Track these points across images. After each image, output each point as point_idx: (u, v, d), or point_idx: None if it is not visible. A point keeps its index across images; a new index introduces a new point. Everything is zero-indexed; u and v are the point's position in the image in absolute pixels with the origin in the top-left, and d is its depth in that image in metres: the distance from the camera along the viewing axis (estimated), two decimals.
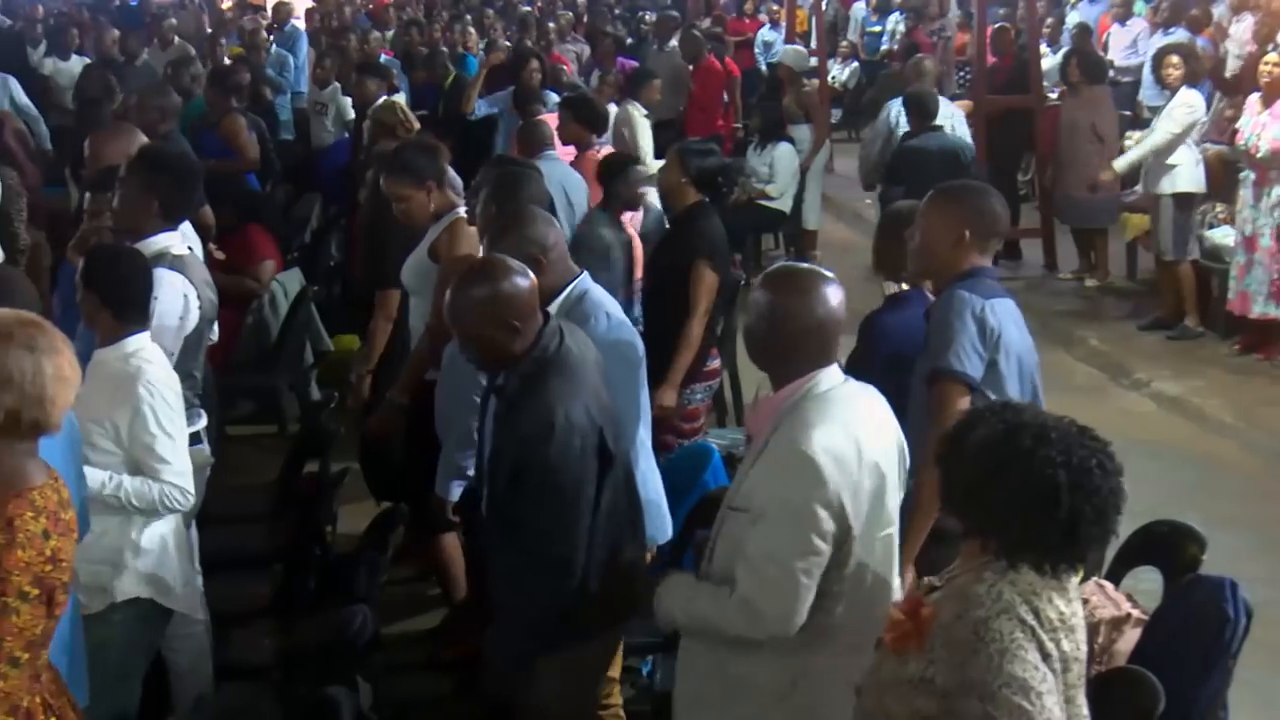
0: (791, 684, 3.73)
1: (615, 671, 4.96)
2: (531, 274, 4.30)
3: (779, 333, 3.74)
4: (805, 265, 4.01)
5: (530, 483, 4.15)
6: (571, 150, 8.74)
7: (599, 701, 4.67)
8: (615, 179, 7.42)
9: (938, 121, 10.81)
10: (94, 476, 4.46)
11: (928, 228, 4.78)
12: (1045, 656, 2.96)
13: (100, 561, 4.59)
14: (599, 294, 5.02)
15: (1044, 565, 2.96)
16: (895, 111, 11.54)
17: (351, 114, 12.25)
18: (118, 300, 4.77)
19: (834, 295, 3.76)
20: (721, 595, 3.70)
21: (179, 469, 4.68)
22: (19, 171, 9.68)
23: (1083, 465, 2.90)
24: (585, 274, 5.03)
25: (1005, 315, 4.75)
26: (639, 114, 11.07)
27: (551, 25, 17.04)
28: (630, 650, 5.33)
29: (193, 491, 4.73)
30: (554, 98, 10.62)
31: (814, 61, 18.25)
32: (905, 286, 5.39)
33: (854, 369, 4.07)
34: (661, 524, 5.08)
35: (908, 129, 10.96)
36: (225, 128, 10.33)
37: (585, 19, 20.04)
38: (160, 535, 4.78)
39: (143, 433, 4.63)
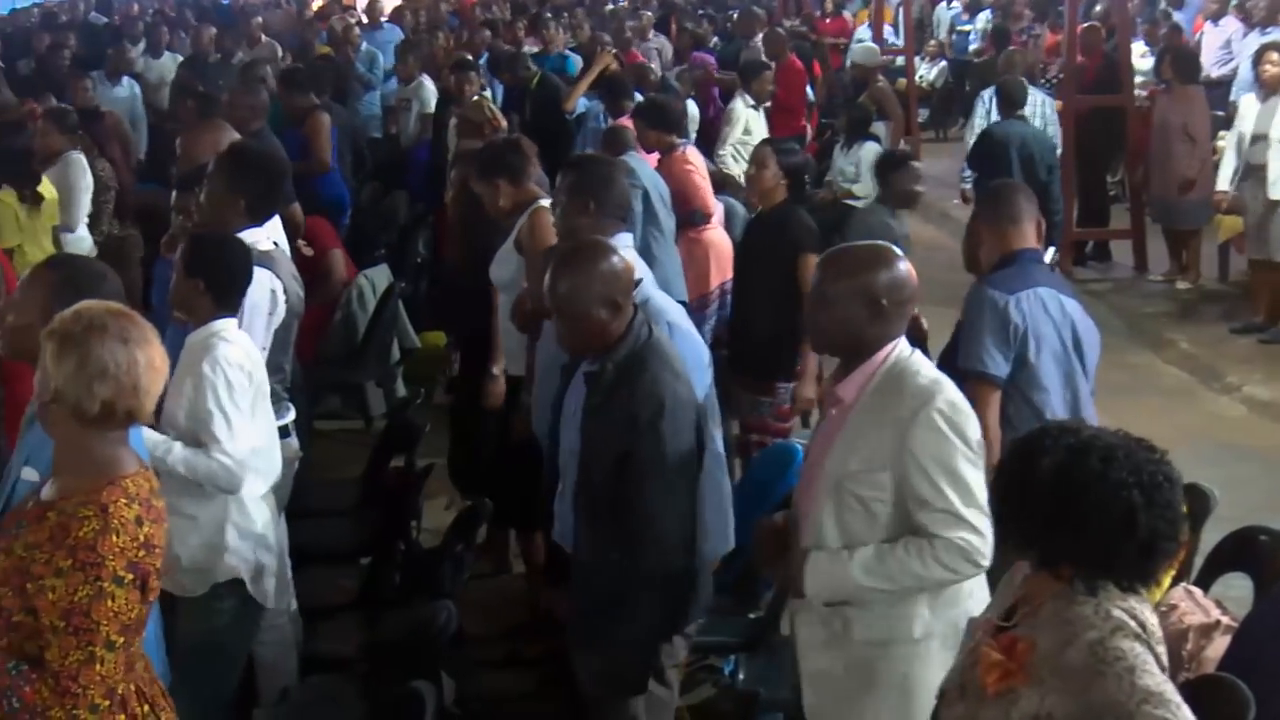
0: (930, 636, 3.81)
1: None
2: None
3: (863, 305, 3.82)
4: (863, 243, 4.07)
5: (642, 463, 4.20)
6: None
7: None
8: (893, 174, 7.74)
9: (1024, 112, 11.00)
10: (150, 437, 4.43)
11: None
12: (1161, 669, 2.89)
13: (200, 545, 4.64)
14: (661, 301, 5.03)
15: (1123, 584, 2.88)
16: (988, 100, 11.85)
17: (432, 109, 12.33)
18: (220, 286, 4.82)
19: (904, 263, 3.92)
20: (918, 546, 3.73)
21: (231, 449, 4.61)
22: (113, 166, 9.84)
23: (1153, 481, 2.82)
24: (644, 281, 5.03)
25: (1035, 308, 4.85)
26: (742, 106, 11.02)
27: (630, 24, 17.04)
28: (712, 649, 5.35)
29: (243, 476, 4.66)
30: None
31: (900, 60, 18.23)
32: None
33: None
34: (725, 537, 5.06)
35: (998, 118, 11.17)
36: (309, 126, 10.28)
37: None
38: (256, 521, 4.83)
39: (200, 407, 4.62)
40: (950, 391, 3.81)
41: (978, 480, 3.75)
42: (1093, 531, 2.83)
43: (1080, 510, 2.82)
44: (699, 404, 4.43)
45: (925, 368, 3.88)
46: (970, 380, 4.65)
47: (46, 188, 8.03)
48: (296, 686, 5.31)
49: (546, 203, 6.00)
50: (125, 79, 13.25)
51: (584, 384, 4.45)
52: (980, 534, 3.68)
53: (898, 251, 4.00)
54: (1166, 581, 4.34)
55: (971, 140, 11.84)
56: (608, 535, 4.32)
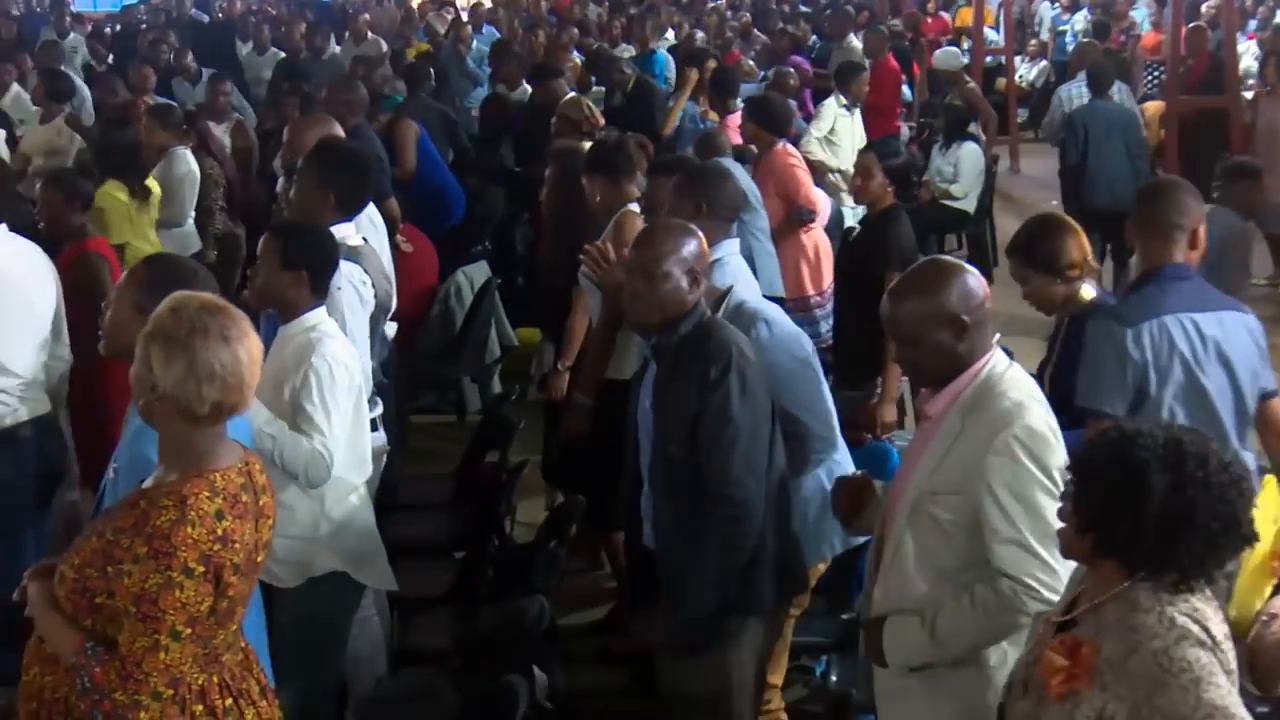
0: (1005, 663, 3.70)
1: (778, 678, 4.96)
2: None
3: (945, 327, 3.73)
4: (914, 268, 3.99)
5: (711, 424, 4.23)
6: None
7: (760, 699, 4.67)
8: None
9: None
10: (260, 412, 4.48)
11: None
12: (1227, 674, 2.86)
13: (296, 536, 4.68)
14: (754, 305, 5.03)
15: (1186, 580, 2.83)
16: (1064, 95, 12.40)
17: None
18: (320, 277, 4.88)
19: (966, 273, 3.82)
20: (984, 601, 3.64)
21: (330, 442, 4.65)
22: (219, 163, 9.97)
23: (1206, 469, 2.79)
24: (736, 286, 5.05)
25: (1160, 340, 4.63)
26: (834, 104, 11.00)
27: (731, 23, 17.03)
28: (803, 649, 5.33)
29: (331, 471, 4.68)
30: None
31: (993, 60, 18.07)
32: None
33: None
34: (816, 548, 5.02)
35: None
36: (393, 133, 10.30)
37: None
38: (352, 510, 4.88)
39: (305, 399, 4.66)
40: (1033, 416, 3.66)
41: (1055, 511, 3.66)
42: (1150, 519, 2.79)
43: (1137, 496, 2.80)
44: (767, 374, 4.45)
45: (1015, 388, 3.72)
46: (1089, 419, 4.53)
47: (151, 183, 8.15)
48: (390, 679, 5.35)
49: (637, 207, 6.00)
50: (204, 75, 13.40)
51: (653, 361, 4.51)
52: (1050, 569, 3.54)
53: (954, 262, 3.91)
54: (1267, 590, 4.25)
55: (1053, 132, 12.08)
56: (684, 507, 4.34)
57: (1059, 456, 3.62)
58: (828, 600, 5.31)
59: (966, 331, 3.71)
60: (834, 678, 5.15)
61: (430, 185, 10.09)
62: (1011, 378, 3.75)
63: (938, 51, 14.45)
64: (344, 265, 5.26)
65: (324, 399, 4.66)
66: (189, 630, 3.21)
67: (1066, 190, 11.15)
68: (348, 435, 4.79)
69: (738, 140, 8.92)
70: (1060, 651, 2.89)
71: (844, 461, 5.07)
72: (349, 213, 5.61)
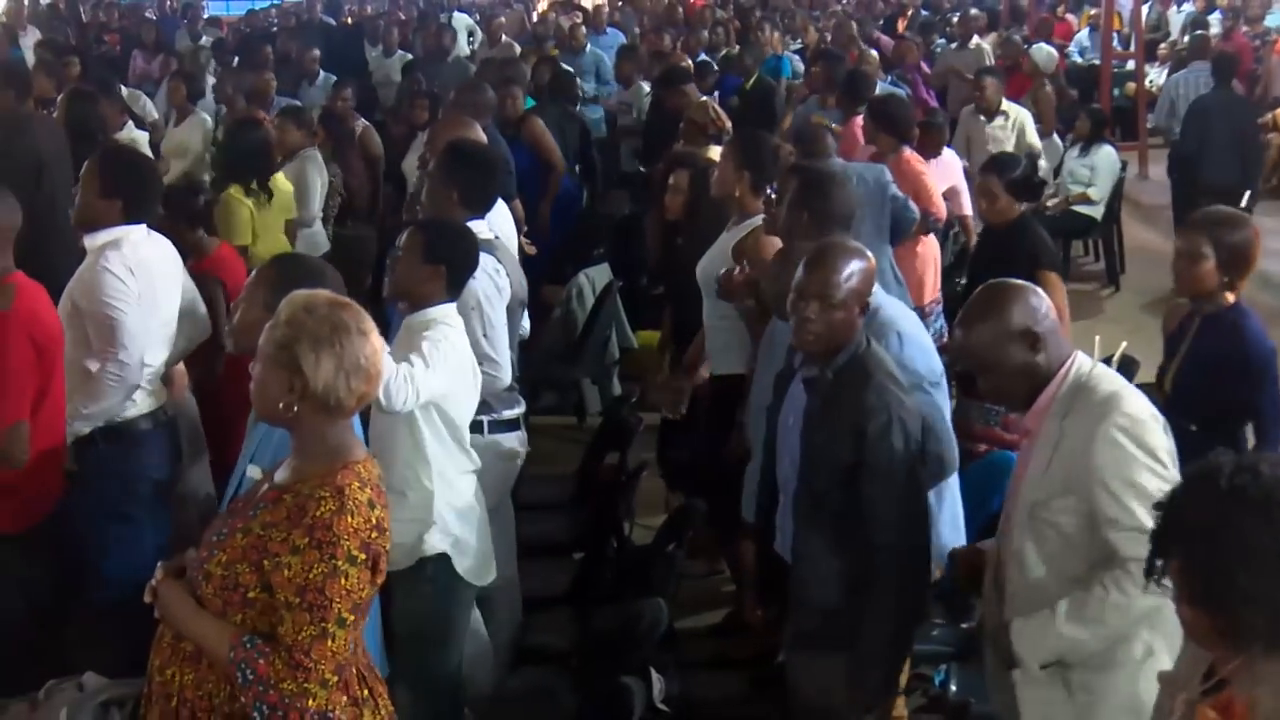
0: (1153, 653, 3.71)
1: (901, 681, 4.93)
2: None
3: (1018, 344, 3.77)
4: (993, 281, 3.99)
5: (872, 474, 4.20)
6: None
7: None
8: None
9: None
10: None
11: None
12: None
13: (410, 520, 4.72)
14: (892, 311, 4.97)
15: None
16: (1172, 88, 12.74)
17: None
18: (458, 272, 4.93)
19: (1024, 287, 3.89)
20: (1113, 579, 3.65)
21: (420, 377, 4.63)
22: (347, 170, 10.10)
23: None
24: (877, 289, 5.00)
25: None
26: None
27: (855, 27, 16.93)
28: (923, 658, 5.29)
29: (412, 398, 4.64)
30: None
31: (1131, 65, 17.80)
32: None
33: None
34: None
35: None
36: (526, 131, 10.40)
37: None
38: (464, 498, 4.92)
39: (415, 349, 4.73)
40: (1130, 403, 3.69)
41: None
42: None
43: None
44: (924, 414, 4.41)
45: (1105, 382, 3.76)
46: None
47: (282, 183, 8.26)
48: (509, 678, 5.39)
49: (760, 220, 5.98)
50: (322, 77, 13.56)
51: (803, 391, 4.46)
52: None
53: (1010, 282, 3.93)
54: None
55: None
56: (829, 543, 4.33)
57: (1163, 439, 3.67)
58: (948, 609, 5.27)
59: (1040, 342, 3.76)
60: (954, 687, 5.10)
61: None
62: (1100, 373, 3.80)
63: (1034, 49, 14.27)
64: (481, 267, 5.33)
65: (431, 351, 4.71)
66: (352, 617, 3.27)
67: (1179, 177, 11.06)
68: (455, 419, 4.87)
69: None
70: (1213, 709, 2.72)
71: (954, 484, 5.05)
72: (476, 210, 5.67)
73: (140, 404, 5.41)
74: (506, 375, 5.46)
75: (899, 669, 4.48)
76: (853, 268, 4.36)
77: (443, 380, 4.73)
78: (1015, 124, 11.06)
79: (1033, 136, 11.18)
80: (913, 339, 4.90)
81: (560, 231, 10.37)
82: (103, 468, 5.39)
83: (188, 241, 6.71)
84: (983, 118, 11.18)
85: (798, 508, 4.48)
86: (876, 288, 4.86)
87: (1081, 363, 3.80)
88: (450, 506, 4.87)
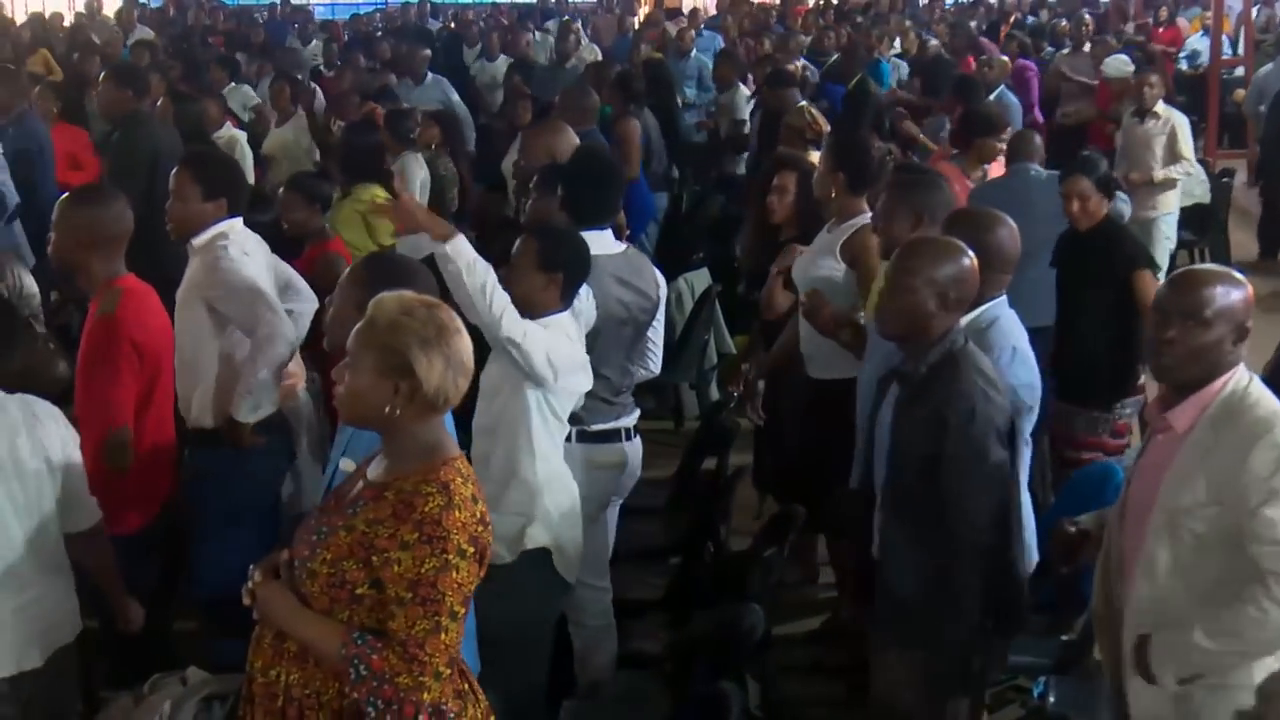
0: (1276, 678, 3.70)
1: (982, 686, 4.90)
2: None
3: (1240, 329, 3.76)
4: (1199, 267, 3.95)
5: (952, 465, 4.18)
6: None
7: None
8: None
9: None
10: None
11: None
12: None
13: (513, 512, 4.76)
14: (1009, 325, 4.89)
15: None
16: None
17: (742, 114, 12.38)
18: (572, 281, 4.96)
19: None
20: (1253, 594, 3.61)
21: (523, 333, 4.71)
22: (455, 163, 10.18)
23: None
24: (1003, 299, 4.94)
25: None
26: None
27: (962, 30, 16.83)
28: (1022, 670, 5.24)
29: (520, 339, 4.72)
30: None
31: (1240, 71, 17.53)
32: None
33: None
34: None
35: None
36: (619, 131, 10.39)
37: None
38: (566, 494, 4.95)
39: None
40: None
41: None
42: None
43: None
44: (1011, 417, 4.38)
45: (1265, 399, 3.73)
46: None
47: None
48: (605, 681, 5.41)
49: (867, 219, 5.95)
50: (430, 78, 13.67)
51: (897, 385, 4.46)
52: None
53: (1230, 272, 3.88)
54: None
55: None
56: (914, 535, 4.31)
57: None
58: (1048, 620, 5.22)
59: (1243, 340, 3.76)
60: (1052, 699, 5.06)
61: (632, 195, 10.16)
62: (1258, 389, 3.76)
63: (1108, 58, 14.09)
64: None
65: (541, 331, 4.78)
66: (463, 610, 3.30)
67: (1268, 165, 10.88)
68: (561, 415, 4.92)
69: None
70: None
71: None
72: (582, 221, 5.65)
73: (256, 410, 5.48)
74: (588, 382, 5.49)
75: (977, 670, 4.41)
76: (933, 260, 4.37)
77: (552, 349, 4.77)
78: (1167, 126, 10.78)
79: (1185, 144, 10.67)
80: (1024, 359, 4.82)
81: (638, 235, 10.36)
82: (217, 470, 5.47)
83: (310, 227, 6.83)
84: (1138, 119, 10.86)
85: (885, 498, 4.49)
86: (1000, 303, 4.85)
87: (1242, 375, 3.78)
88: (553, 501, 4.89)
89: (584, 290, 5.26)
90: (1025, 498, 4.92)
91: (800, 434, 6.13)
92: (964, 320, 4.65)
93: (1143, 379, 6.80)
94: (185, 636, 5.74)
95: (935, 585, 4.26)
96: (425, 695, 3.27)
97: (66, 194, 5.57)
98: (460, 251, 4.67)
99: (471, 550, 3.28)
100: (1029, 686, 5.47)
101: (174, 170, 5.62)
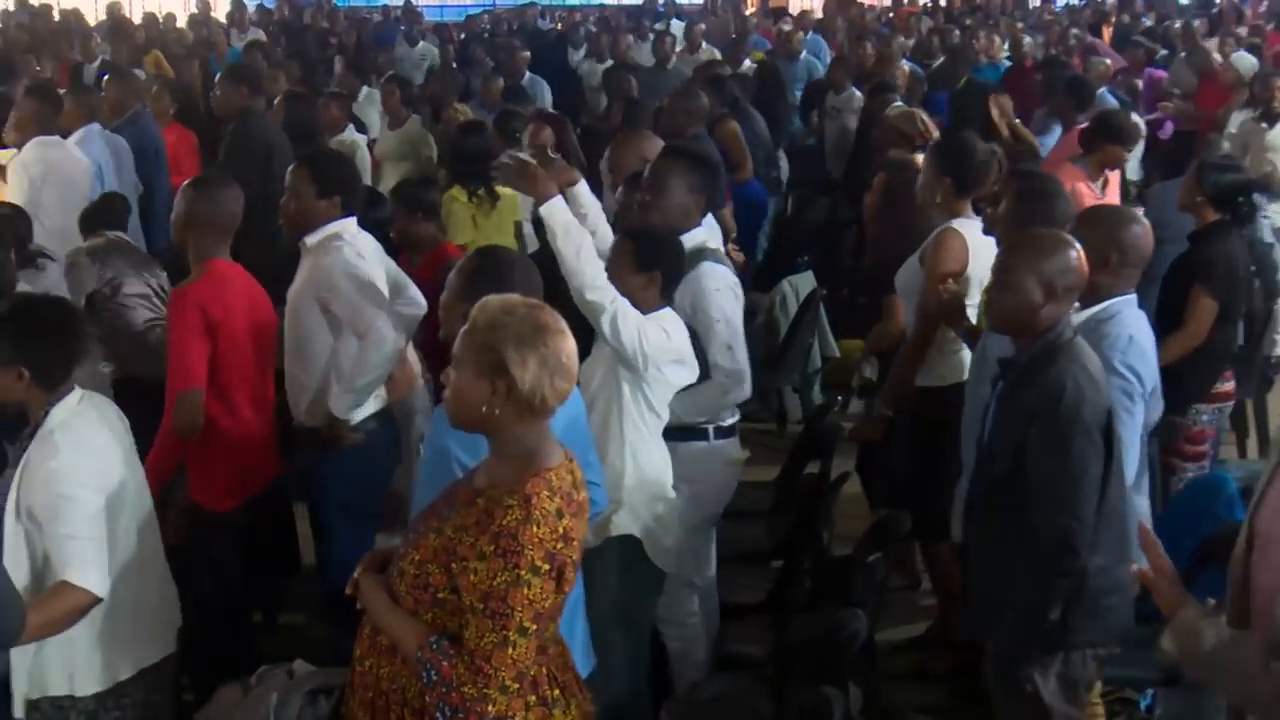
0: None
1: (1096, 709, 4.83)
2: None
3: None
4: None
5: (1037, 454, 4.16)
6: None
7: None
8: None
9: None
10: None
11: None
12: None
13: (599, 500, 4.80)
14: (1131, 317, 4.85)
15: None
16: None
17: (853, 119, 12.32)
18: (670, 280, 4.99)
19: None
20: None
21: (633, 325, 4.79)
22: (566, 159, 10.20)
23: None
24: (1132, 297, 4.89)
25: None
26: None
27: (1074, 32, 16.62)
28: (1128, 682, 5.17)
29: (618, 320, 4.77)
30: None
31: None
32: None
33: None
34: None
35: None
36: (719, 133, 10.30)
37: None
38: (656, 483, 4.96)
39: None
40: None
41: None
42: None
43: None
44: (1104, 404, 4.30)
45: None
46: None
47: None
48: (705, 683, 5.40)
49: (959, 225, 5.90)
50: (528, 78, 13.74)
51: (1001, 375, 4.45)
52: None
53: None
54: None
55: None
56: (997, 527, 4.29)
57: None
58: (1156, 631, 5.13)
59: None
60: (1159, 713, 4.99)
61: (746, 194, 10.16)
62: None
63: (1234, 54, 13.82)
64: (717, 268, 5.45)
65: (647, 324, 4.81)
66: (534, 626, 3.26)
67: None
68: (656, 405, 4.94)
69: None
70: None
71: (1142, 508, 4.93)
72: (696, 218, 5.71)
73: (367, 405, 5.55)
74: (748, 388, 5.54)
75: (1034, 655, 4.32)
76: (1038, 253, 4.35)
77: (645, 335, 4.79)
78: None
79: None
80: (1141, 349, 4.79)
81: (746, 236, 10.35)
82: (331, 467, 5.55)
83: (418, 234, 6.92)
84: (1264, 124, 10.67)
85: (974, 490, 4.47)
86: (1128, 300, 4.82)
87: None
88: (640, 489, 4.91)
89: (737, 286, 5.47)
90: (1143, 502, 4.88)
91: (907, 440, 6.09)
92: (1086, 314, 4.63)
93: (1226, 387, 6.71)
94: (296, 629, 5.83)
95: (1014, 578, 4.22)
96: (490, 708, 3.26)
97: (190, 178, 5.77)
98: (555, 214, 4.83)
99: (546, 568, 3.25)
100: (1136, 699, 5.41)
101: (290, 167, 5.71)
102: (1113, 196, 8.01)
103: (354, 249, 5.47)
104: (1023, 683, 4.31)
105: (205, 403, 5.18)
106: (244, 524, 5.37)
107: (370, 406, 5.57)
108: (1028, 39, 16.08)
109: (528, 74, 13.66)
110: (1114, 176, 8.44)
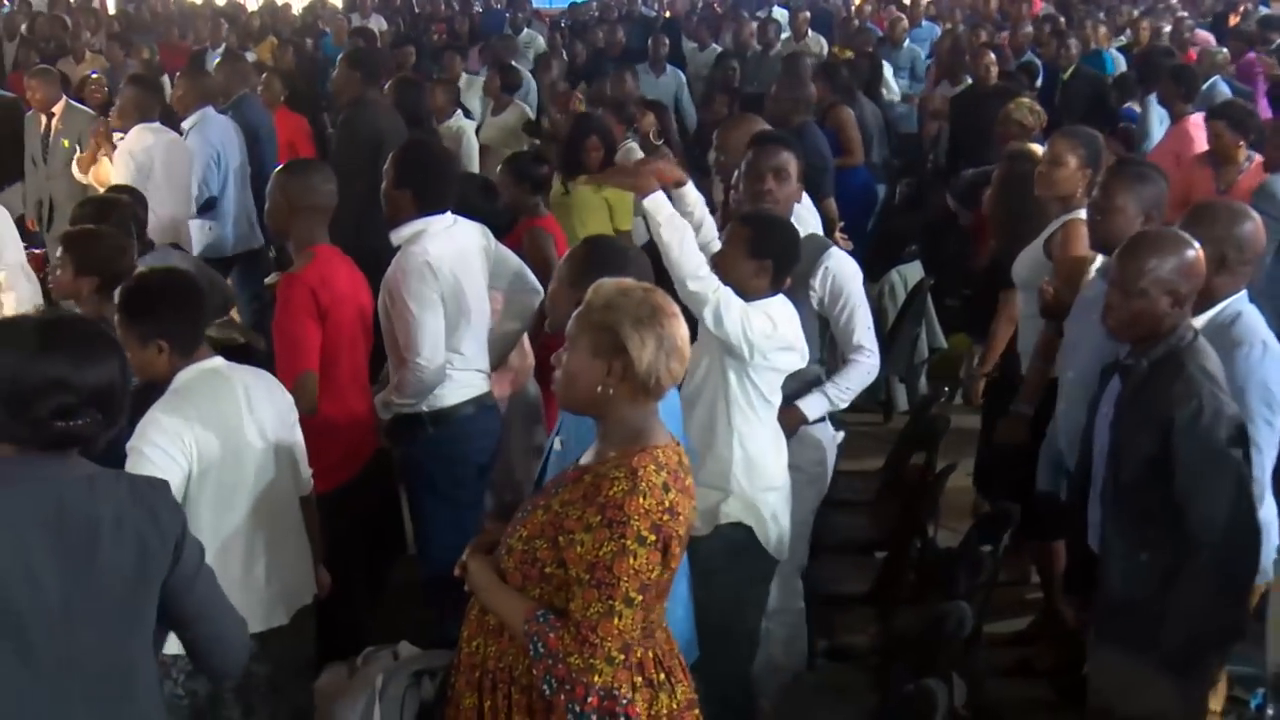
0: None
1: (1217, 704, 4.76)
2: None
3: None
4: None
5: (1180, 467, 4.09)
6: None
7: None
8: None
9: None
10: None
11: None
12: None
13: (708, 485, 4.76)
14: (1255, 319, 4.73)
15: None
16: None
17: None
18: (782, 268, 4.96)
19: None
20: None
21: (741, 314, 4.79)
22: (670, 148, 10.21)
23: None
24: (1244, 294, 4.78)
25: None
26: None
27: (1188, 21, 16.34)
28: (1238, 680, 5.10)
29: (726, 313, 4.79)
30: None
31: None
32: None
33: None
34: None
35: None
36: (833, 120, 10.34)
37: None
38: (766, 470, 4.94)
39: None
40: None
41: None
42: None
43: None
44: (1239, 417, 4.23)
45: None
46: None
47: None
48: (808, 672, 5.39)
49: (1082, 213, 5.82)
50: (669, 68, 13.73)
51: (1118, 379, 4.36)
52: None
53: None
54: None
55: None
56: (1138, 535, 4.23)
57: None
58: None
59: None
60: (1270, 711, 4.91)
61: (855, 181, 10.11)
62: None
63: None
64: (844, 253, 5.50)
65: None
66: (640, 597, 3.30)
67: None
68: (765, 392, 4.92)
69: (1200, 144, 8.54)
70: None
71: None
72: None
73: (466, 389, 5.59)
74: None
75: (1207, 678, 4.31)
76: (1160, 257, 4.26)
77: (750, 323, 4.78)
78: None
79: None
80: (1276, 355, 4.64)
81: (854, 225, 10.28)
82: (429, 450, 5.59)
83: (525, 204, 6.95)
84: None
85: (1104, 501, 4.40)
86: (1241, 298, 4.72)
87: None
88: (750, 477, 4.90)
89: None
90: (1271, 504, 4.79)
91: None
92: (1205, 316, 4.54)
93: None
94: (402, 611, 5.89)
95: (1160, 586, 4.16)
96: (595, 678, 3.29)
97: (281, 165, 5.82)
98: (659, 207, 4.85)
99: (653, 538, 3.27)
100: (1246, 699, 5.33)
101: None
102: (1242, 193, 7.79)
103: (428, 256, 5.42)
104: (1192, 685, 4.29)
105: None
106: (345, 505, 5.41)
107: (469, 391, 5.60)
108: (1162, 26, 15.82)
109: (669, 67, 13.67)
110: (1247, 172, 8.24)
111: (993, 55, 11.63)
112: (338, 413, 5.34)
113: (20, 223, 9.02)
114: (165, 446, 4.09)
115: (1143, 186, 5.20)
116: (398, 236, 5.52)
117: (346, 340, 5.42)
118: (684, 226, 4.83)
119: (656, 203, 4.86)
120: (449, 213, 5.60)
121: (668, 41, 14.50)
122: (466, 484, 5.65)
